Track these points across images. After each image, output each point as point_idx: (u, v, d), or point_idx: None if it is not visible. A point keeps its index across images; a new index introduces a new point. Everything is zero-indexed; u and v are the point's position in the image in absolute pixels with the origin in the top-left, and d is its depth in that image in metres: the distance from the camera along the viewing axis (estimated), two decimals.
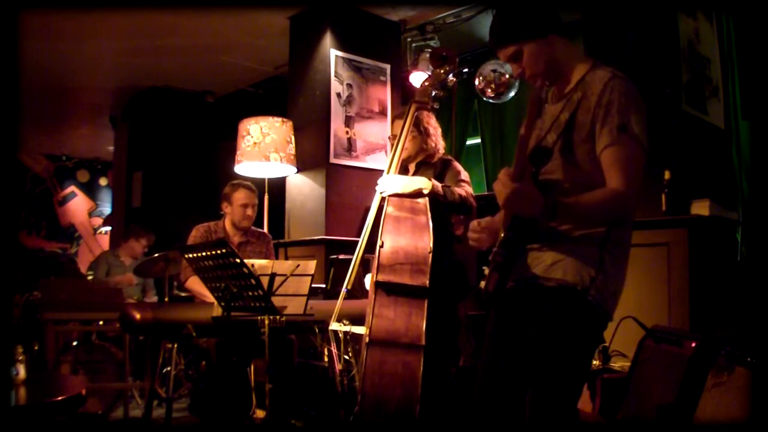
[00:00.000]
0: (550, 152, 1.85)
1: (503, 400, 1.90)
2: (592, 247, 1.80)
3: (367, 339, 2.75)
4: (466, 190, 3.12)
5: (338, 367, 3.08)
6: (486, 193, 5.37)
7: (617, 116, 1.74)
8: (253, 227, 4.02)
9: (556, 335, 1.79)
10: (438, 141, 3.30)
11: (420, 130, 3.22)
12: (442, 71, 3.08)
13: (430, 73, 3.20)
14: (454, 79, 3.17)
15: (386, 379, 2.71)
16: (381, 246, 2.80)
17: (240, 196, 3.89)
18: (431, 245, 2.80)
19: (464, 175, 3.20)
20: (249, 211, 3.90)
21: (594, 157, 1.79)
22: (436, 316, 2.96)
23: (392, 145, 3.18)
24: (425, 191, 2.99)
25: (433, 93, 3.11)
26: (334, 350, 3.09)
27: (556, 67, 1.90)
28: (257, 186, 4.17)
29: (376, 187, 3.04)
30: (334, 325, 3.03)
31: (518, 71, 1.92)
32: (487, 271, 1.83)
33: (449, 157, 3.34)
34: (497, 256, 1.79)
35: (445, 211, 3.09)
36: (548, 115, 1.92)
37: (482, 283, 1.86)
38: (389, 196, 2.95)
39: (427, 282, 2.77)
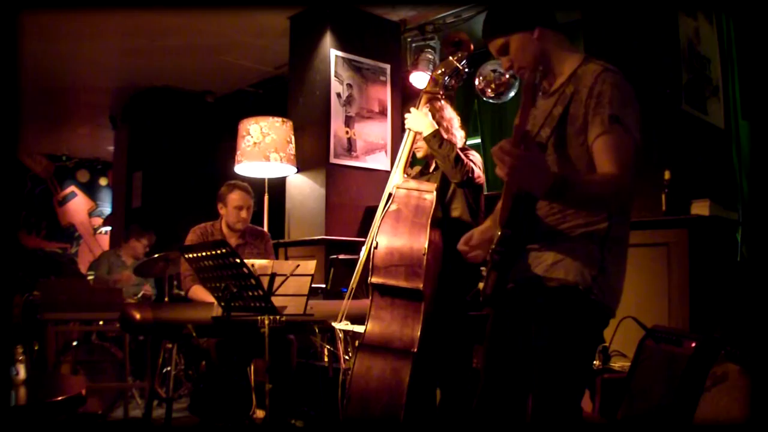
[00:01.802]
0: (544, 147, 1.84)
1: (506, 401, 1.90)
2: (593, 245, 1.79)
3: (357, 342, 2.73)
4: (470, 159, 3.04)
5: (343, 366, 3.05)
6: (486, 193, 5.37)
7: (609, 107, 1.73)
8: (250, 225, 3.94)
9: (560, 335, 1.79)
10: (454, 132, 3.17)
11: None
12: (454, 58, 2.99)
13: (433, 66, 3.13)
14: (467, 66, 3.05)
15: (373, 383, 2.67)
16: (375, 247, 2.77)
17: (235, 198, 3.78)
18: (426, 246, 2.76)
19: (474, 155, 3.14)
20: (243, 214, 3.79)
21: (587, 150, 1.77)
22: (450, 314, 2.93)
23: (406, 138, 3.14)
24: (425, 132, 2.98)
25: (446, 81, 3.04)
26: (340, 349, 3.07)
27: (545, 60, 1.90)
28: (257, 186, 4.16)
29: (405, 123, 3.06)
30: (339, 324, 3.02)
31: (507, 65, 1.93)
32: (485, 271, 1.83)
33: (465, 147, 3.23)
34: (494, 255, 1.76)
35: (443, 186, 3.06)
36: (540, 110, 1.91)
37: (480, 285, 1.85)
38: (397, 187, 2.92)
39: (422, 285, 2.73)
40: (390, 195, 2.94)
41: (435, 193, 2.89)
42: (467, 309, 3.15)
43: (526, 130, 1.67)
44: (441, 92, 3.04)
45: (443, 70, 3.02)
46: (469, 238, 1.97)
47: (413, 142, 3.07)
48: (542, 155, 1.68)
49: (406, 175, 3.06)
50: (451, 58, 3.01)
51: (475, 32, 5.37)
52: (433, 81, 3.04)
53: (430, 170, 3.27)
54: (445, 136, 3.04)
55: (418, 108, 3.06)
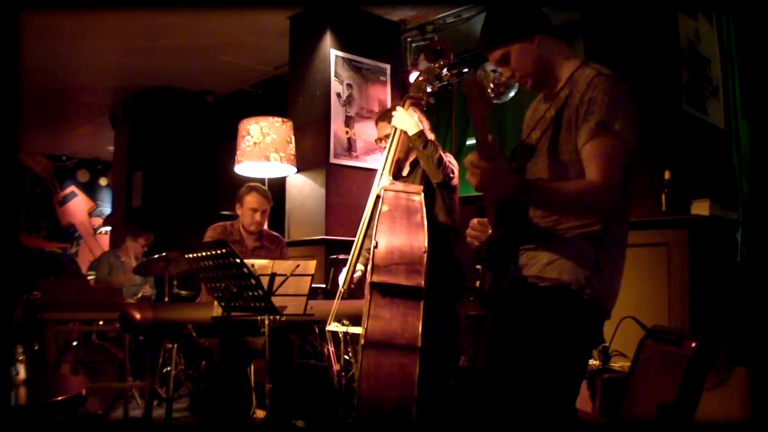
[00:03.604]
0: (533, 149, 1.85)
1: (501, 401, 1.90)
2: (588, 246, 1.80)
3: (362, 341, 2.74)
4: (449, 161, 3.12)
5: (336, 367, 3.07)
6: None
7: (597, 113, 1.74)
8: (266, 229, 3.99)
9: (552, 336, 1.79)
10: (427, 135, 3.23)
11: None
12: (436, 65, 3.07)
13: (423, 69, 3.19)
14: (449, 73, 3.13)
15: (382, 381, 2.69)
16: (375, 246, 2.79)
17: (251, 200, 3.82)
18: (426, 245, 2.78)
19: (450, 158, 3.19)
20: (258, 217, 3.83)
21: (578, 155, 1.78)
22: (433, 314, 2.95)
23: (385, 147, 3.19)
24: (410, 132, 3.03)
25: (429, 88, 3.10)
26: (332, 350, 3.08)
27: (546, 68, 1.91)
28: None
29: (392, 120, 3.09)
30: (331, 326, 3.03)
31: (508, 74, 1.93)
32: (480, 269, 1.83)
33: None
34: (481, 252, 1.79)
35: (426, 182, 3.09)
36: (537, 113, 1.93)
37: (477, 283, 1.86)
38: (385, 189, 2.94)
39: (423, 282, 2.75)
40: (378, 197, 2.97)
41: (422, 194, 2.92)
42: (451, 307, 3.19)
43: (490, 143, 1.69)
44: (424, 97, 3.10)
45: (426, 76, 3.11)
46: (476, 223, 1.96)
47: (398, 142, 3.09)
48: (504, 165, 1.69)
49: (391, 177, 3.09)
50: (433, 65, 3.07)
51: (475, 32, 5.35)
52: (416, 87, 3.12)
53: (404, 174, 3.30)
54: (430, 137, 3.09)
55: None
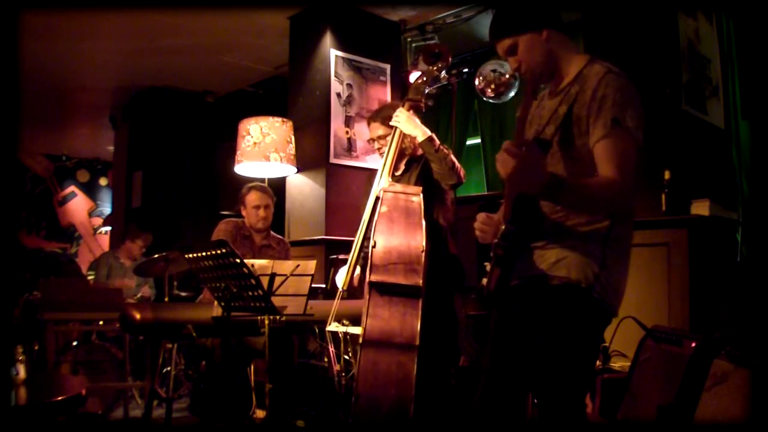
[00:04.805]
0: (549, 144, 1.86)
1: (507, 399, 1.91)
2: (595, 244, 1.80)
3: (360, 340, 2.75)
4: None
5: (336, 367, 3.07)
6: (486, 193, 5.37)
7: (611, 110, 1.75)
8: (272, 233, 4.03)
9: (563, 333, 1.79)
10: (436, 139, 3.24)
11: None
12: (434, 68, 3.07)
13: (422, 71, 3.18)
14: (447, 76, 3.11)
15: (380, 379, 2.69)
16: (373, 246, 2.79)
17: (252, 198, 3.89)
18: (424, 244, 2.79)
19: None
20: (261, 213, 3.89)
21: (590, 151, 1.79)
22: (432, 312, 2.96)
23: (378, 147, 3.18)
24: (419, 138, 3.00)
25: (427, 90, 3.11)
26: (332, 351, 3.08)
27: (552, 62, 1.92)
28: None
29: (393, 118, 3.05)
30: (331, 326, 3.04)
31: (515, 65, 1.95)
32: (488, 267, 1.83)
33: None
34: (498, 249, 1.78)
35: (434, 182, 3.09)
36: (546, 109, 1.94)
37: (484, 281, 1.85)
38: (384, 191, 2.93)
39: (421, 281, 2.76)
40: (377, 198, 2.97)
41: (421, 195, 2.92)
42: (451, 306, 3.17)
43: (526, 139, 1.71)
44: (422, 99, 3.10)
45: (425, 79, 3.10)
46: (485, 217, 1.96)
47: (398, 144, 3.09)
48: (540, 157, 1.71)
49: (390, 178, 3.09)
50: (431, 67, 3.07)
51: (475, 32, 5.41)
52: (415, 89, 3.12)
53: (399, 173, 3.30)
54: (438, 142, 3.08)
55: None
